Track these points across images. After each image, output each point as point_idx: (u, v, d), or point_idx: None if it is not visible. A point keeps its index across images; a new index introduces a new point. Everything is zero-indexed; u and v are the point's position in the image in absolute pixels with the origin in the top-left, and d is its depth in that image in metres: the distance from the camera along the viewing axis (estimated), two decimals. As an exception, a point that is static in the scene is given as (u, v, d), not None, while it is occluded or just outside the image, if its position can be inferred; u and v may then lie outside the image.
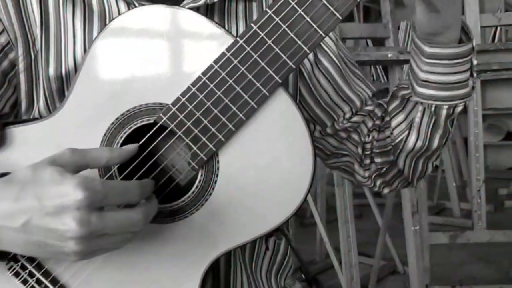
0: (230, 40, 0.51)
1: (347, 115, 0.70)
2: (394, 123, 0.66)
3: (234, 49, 0.50)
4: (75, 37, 0.60)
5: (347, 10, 0.49)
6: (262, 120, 0.52)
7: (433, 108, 0.60)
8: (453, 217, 3.10)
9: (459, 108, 0.60)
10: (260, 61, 0.50)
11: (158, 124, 0.52)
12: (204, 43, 0.52)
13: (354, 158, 0.72)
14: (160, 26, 0.52)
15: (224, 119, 0.51)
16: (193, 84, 0.51)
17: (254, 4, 0.66)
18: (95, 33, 0.60)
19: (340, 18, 0.50)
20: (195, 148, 0.52)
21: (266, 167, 0.53)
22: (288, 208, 0.53)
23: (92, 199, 0.43)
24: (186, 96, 0.51)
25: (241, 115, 0.51)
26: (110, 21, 0.62)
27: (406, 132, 0.64)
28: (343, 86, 0.70)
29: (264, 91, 0.51)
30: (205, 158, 0.52)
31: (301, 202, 0.54)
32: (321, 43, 0.69)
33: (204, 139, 0.52)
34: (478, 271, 2.45)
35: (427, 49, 0.57)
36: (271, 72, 0.50)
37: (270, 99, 0.51)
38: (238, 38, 0.50)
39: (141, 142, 0.52)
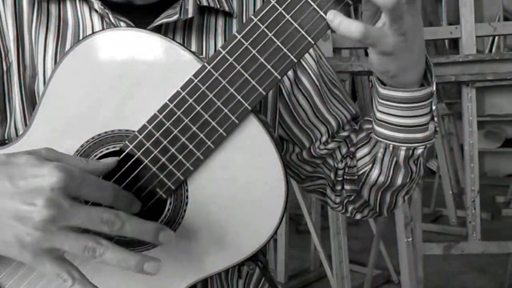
0: (198, 66, 0.49)
1: (324, 138, 0.68)
2: (359, 154, 0.65)
3: (201, 75, 0.48)
4: (46, 52, 0.58)
5: (319, 34, 0.47)
6: (232, 148, 0.50)
7: (390, 148, 0.59)
8: (450, 225, 3.08)
9: (419, 151, 0.58)
10: (228, 87, 0.48)
11: (125, 153, 0.50)
12: (172, 69, 0.50)
13: (327, 182, 0.70)
14: (126, 50, 0.50)
15: (191, 147, 0.49)
16: (160, 111, 0.49)
17: (234, 20, 0.65)
18: (67, 48, 0.59)
19: (312, 42, 0.48)
20: (162, 176, 0.50)
21: (237, 195, 0.51)
22: (261, 236, 0.52)
23: (67, 183, 0.41)
24: (153, 124, 0.49)
25: (209, 143, 0.49)
26: (84, 36, 0.61)
27: (370, 165, 0.63)
28: (320, 107, 0.68)
29: (233, 118, 0.49)
30: (173, 187, 0.50)
31: (274, 231, 0.52)
32: (301, 61, 0.67)
33: (171, 167, 0.50)
34: (473, 281, 2.42)
35: (380, 89, 0.55)
36: (240, 98, 0.48)
37: (240, 126, 0.49)
38: (206, 64, 0.48)
39: (120, 157, 0.50)
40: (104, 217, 0.42)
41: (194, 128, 0.49)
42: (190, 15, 0.59)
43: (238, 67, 0.48)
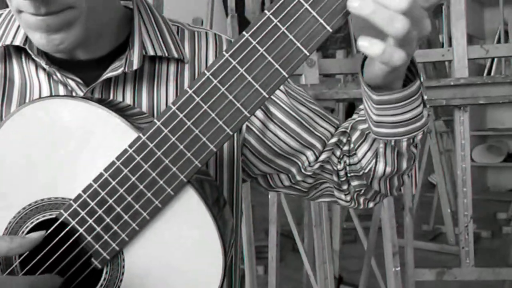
0: (134, 135, 0.48)
1: (311, 158, 0.68)
2: (360, 153, 0.65)
3: (136, 145, 0.48)
4: None
5: (254, 107, 0.46)
6: (168, 220, 0.49)
7: (392, 143, 0.59)
8: (449, 244, 3.04)
9: (419, 137, 0.59)
10: (163, 158, 0.47)
11: (59, 221, 0.49)
12: (107, 138, 0.49)
13: (332, 185, 0.70)
14: (64, 119, 0.49)
15: (126, 217, 0.48)
16: (95, 181, 0.48)
17: (187, 66, 0.64)
18: (13, 108, 0.58)
19: (248, 115, 0.46)
20: (97, 246, 0.49)
21: (174, 267, 0.49)
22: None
23: None
24: (88, 193, 0.49)
25: (145, 214, 0.48)
26: (30, 95, 0.60)
27: (374, 160, 0.64)
28: (302, 134, 0.68)
29: (169, 190, 0.48)
30: (108, 257, 0.49)
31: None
32: (272, 97, 0.66)
33: (106, 237, 0.49)
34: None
35: (374, 96, 0.55)
36: (175, 170, 0.47)
37: (176, 198, 0.48)
38: (141, 134, 0.48)
39: (48, 232, 0.49)
40: None
41: (129, 199, 0.48)
42: (135, 67, 0.58)
43: (173, 139, 0.47)
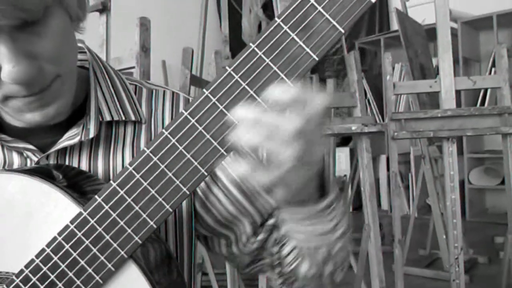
0: (76, 210, 0.48)
1: (248, 229, 0.66)
2: (284, 252, 0.62)
3: (78, 221, 0.48)
4: None
5: (193, 186, 0.46)
6: (110, 294, 0.48)
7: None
8: (445, 270, 3.00)
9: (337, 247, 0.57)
10: (104, 234, 0.47)
11: (2, 295, 0.49)
12: (50, 213, 0.49)
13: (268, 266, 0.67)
14: (9, 194, 0.49)
15: (68, 293, 0.48)
16: (37, 256, 0.48)
17: (143, 127, 0.63)
18: None
19: (187, 193, 0.46)
20: (39, 322, 0.49)
21: None
22: None
23: None
24: (30, 268, 0.48)
25: (87, 290, 0.48)
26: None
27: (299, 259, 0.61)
28: (244, 203, 0.65)
29: (109, 265, 0.47)
30: (50, 332, 0.49)
31: None
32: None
33: (49, 313, 0.48)
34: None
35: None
36: (116, 246, 0.47)
37: (117, 274, 0.48)
38: (82, 210, 0.48)
39: None
40: None
41: (71, 274, 0.48)
42: (91, 135, 0.58)
43: (114, 215, 0.47)
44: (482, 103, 3.61)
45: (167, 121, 0.64)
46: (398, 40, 2.52)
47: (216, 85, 0.44)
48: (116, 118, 0.60)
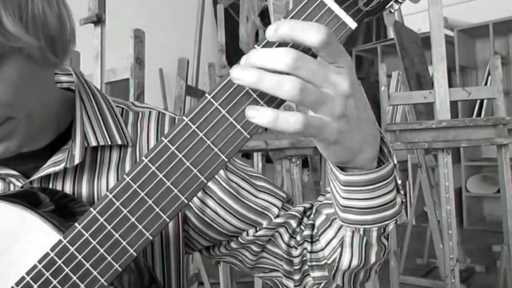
0: (57, 237, 0.47)
1: (251, 231, 0.64)
2: (323, 240, 0.59)
3: (58, 248, 0.47)
4: None
5: (173, 213, 0.45)
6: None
7: (361, 231, 0.54)
8: (441, 279, 2.99)
9: (391, 227, 0.53)
10: (84, 262, 0.47)
11: (-18, 323, 0.48)
12: (30, 241, 0.48)
13: (282, 273, 0.65)
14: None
15: (48, 321, 0.47)
16: (17, 284, 0.48)
17: (129, 150, 0.63)
18: None
19: (168, 220, 0.46)
20: None
21: None
22: None
23: None
24: (10, 296, 0.48)
25: (66, 317, 0.47)
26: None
27: (339, 250, 0.57)
28: (244, 212, 0.64)
29: (90, 294, 0.47)
30: None
31: None
32: None
33: None
34: None
35: (342, 176, 0.49)
36: (96, 273, 0.47)
37: (98, 301, 0.47)
38: (62, 238, 0.47)
39: None
40: None
41: (51, 302, 0.47)
42: (76, 162, 0.57)
43: (94, 242, 0.47)
44: (479, 113, 3.62)
45: (152, 142, 0.64)
46: (395, 48, 2.52)
47: (195, 112, 0.44)
48: (102, 143, 0.60)
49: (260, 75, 0.39)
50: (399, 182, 0.52)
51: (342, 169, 0.49)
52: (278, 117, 0.39)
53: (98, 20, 1.77)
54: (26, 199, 0.51)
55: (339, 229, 0.57)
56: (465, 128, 1.75)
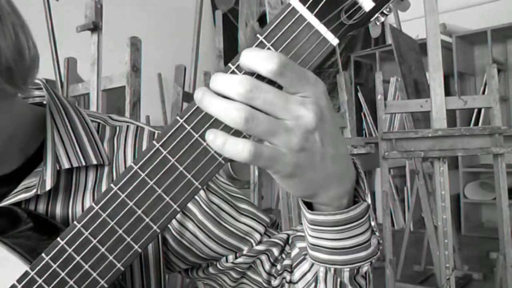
0: (24, 268, 0.46)
1: (230, 257, 0.62)
2: (298, 273, 0.57)
3: (25, 280, 0.45)
4: None
5: (145, 243, 0.44)
6: None
7: (332, 271, 0.50)
8: (438, 287, 2.97)
9: (365, 268, 0.49)
10: (53, 294, 0.45)
11: None
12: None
13: None
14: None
15: None
16: (-17, 315, 0.46)
17: (106, 169, 0.59)
18: None
19: (139, 251, 0.44)
20: None
21: None
22: None
23: None
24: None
25: None
26: None
27: (313, 284, 0.54)
28: (224, 236, 0.61)
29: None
30: None
31: None
32: None
33: None
34: None
35: (308, 215, 0.46)
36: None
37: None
38: (29, 269, 0.45)
39: None
40: None
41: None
42: (48, 188, 0.54)
43: (63, 274, 0.45)
44: (477, 121, 3.60)
45: (129, 159, 0.61)
46: (393, 54, 2.50)
47: (167, 137, 0.42)
48: (75, 164, 0.57)
49: (209, 98, 0.38)
50: (373, 223, 0.48)
51: (310, 204, 0.46)
52: (226, 142, 0.38)
53: (95, 28, 1.76)
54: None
55: (313, 264, 0.54)
56: (461, 137, 1.73)
